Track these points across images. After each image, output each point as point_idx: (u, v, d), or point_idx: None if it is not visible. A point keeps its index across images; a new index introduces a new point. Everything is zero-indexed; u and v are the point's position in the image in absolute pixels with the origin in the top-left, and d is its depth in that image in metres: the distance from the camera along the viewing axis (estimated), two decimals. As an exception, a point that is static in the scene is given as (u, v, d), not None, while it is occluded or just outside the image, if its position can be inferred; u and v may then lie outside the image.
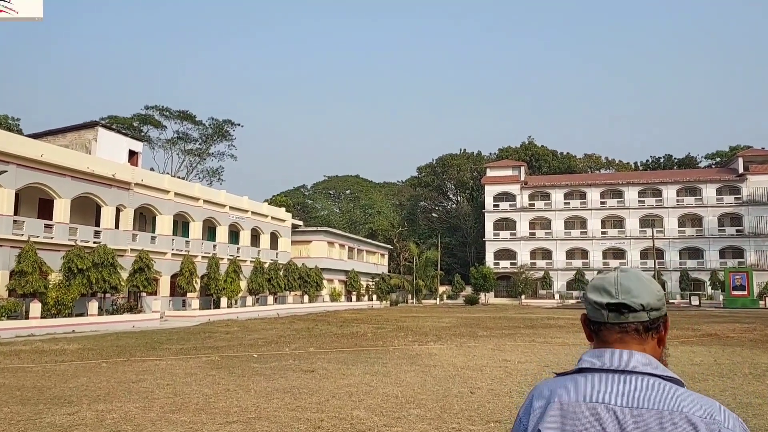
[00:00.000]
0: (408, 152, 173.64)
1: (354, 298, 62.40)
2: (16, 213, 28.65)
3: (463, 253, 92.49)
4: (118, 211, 34.15)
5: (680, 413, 1.34)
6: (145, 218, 38.83)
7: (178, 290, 37.87)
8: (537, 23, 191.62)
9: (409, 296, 75.98)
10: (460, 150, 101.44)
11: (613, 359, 1.46)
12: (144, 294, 34.43)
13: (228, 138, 76.20)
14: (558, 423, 1.41)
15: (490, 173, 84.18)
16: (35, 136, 37.37)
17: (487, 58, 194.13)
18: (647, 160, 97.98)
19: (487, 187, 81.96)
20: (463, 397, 10.36)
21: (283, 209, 57.32)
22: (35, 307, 24.66)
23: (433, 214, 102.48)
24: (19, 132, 43.77)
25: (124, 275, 31.49)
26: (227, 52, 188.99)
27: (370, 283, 68.59)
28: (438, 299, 74.84)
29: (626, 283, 1.49)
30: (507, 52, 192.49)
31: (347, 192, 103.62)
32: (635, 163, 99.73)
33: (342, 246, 64.78)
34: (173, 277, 37.96)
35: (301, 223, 62.74)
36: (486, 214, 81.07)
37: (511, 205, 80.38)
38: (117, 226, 33.99)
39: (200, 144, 75.62)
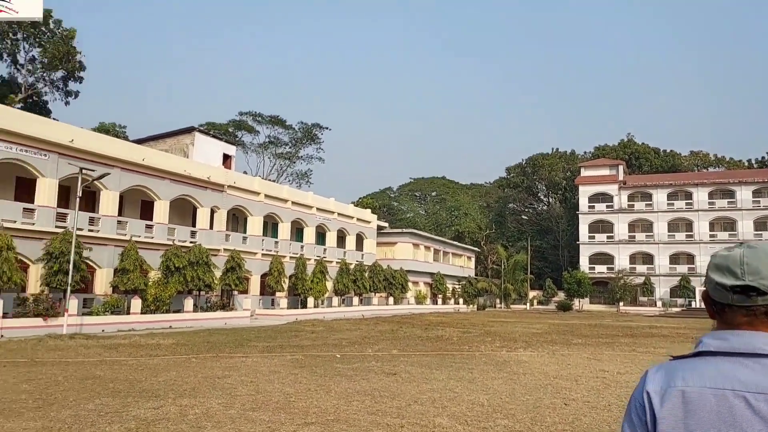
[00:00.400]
0: (496, 153, 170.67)
1: (439, 301, 61.71)
2: (120, 214, 30.25)
3: (555, 256, 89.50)
4: (212, 212, 35.41)
5: None
6: (237, 219, 40.06)
7: (267, 289, 38.78)
8: (635, 8, 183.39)
9: (497, 300, 74.49)
10: (552, 149, 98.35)
11: (738, 341, 1.29)
12: (236, 292, 35.45)
13: (316, 141, 77.68)
14: (680, 412, 1.26)
15: (584, 173, 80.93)
16: (139, 141, 39.59)
17: (580, 52, 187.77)
18: (762, 157, 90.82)
19: (581, 188, 78.80)
20: (556, 408, 9.66)
21: (369, 211, 57.54)
22: (136, 304, 25.87)
23: (523, 216, 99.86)
24: (125, 139, 46.46)
25: (218, 274, 32.51)
26: (315, 56, 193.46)
27: (456, 286, 67.58)
28: (528, 304, 72.91)
29: (754, 263, 1.31)
30: (603, 44, 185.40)
31: (433, 194, 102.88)
32: (748, 161, 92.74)
33: (427, 248, 64.29)
34: (263, 276, 38.89)
35: (386, 224, 62.75)
36: (580, 215, 77.93)
37: (608, 207, 76.84)
38: (211, 227, 35.23)
39: (290, 147, 77.52)
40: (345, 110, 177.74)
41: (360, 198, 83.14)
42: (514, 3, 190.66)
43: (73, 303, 22.65)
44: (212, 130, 60.31)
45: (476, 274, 78.90)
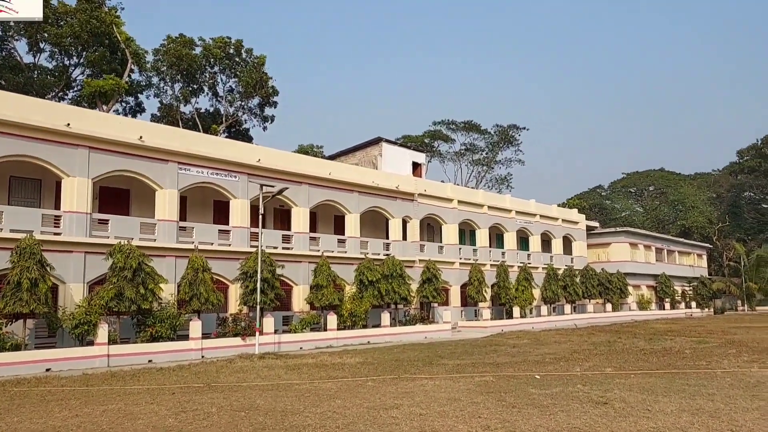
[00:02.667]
0: (721, 136, 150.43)
1: (667, 305, 54.51)
2: (315, 230, 30.59)
3: (812, 248, 75.17)
4: (404, 222, 34.50)
5: None
6: (432, 229, 38.82)
7: (469, 300, 36.81)
8: None
9: (738, 302, 64.42)
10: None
11: None
12: (435, 304, 34.06)
13: (514, 143, 74.37)
14: None
15: (842, 146, 67.11)
16: (330, 157, 40.31)
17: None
18: None
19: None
20: None
21: (575, 210, 52.88)
22: (331, 319, 25.54)
23: (763, 205, 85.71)
24: (322, 158, 48.24)
25: (414, 286, 31.40)
26: (505, 57, 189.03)
27: (686, 289, 59.50)
28: (780, 306, 61.85)
29: None
30: None
31: (650, 188, 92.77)
32: None
33: (648, 247, 57.38)
34: (462, 286, 37.04)
35: (596, 224, 57.31)
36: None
37: None
38: (404, 238, 34.33)
39: (487, 153, 75.17)
40: (543, 107, 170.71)
41: (567, 199, 77.81)
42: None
43: (269, 321, 22.81)
44: (409, 142, 60.45)
45: (710, 274, 69.13)
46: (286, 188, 22.26)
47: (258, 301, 21.27)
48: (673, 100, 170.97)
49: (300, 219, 28.51)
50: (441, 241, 37.61)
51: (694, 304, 56.98)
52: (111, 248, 19.84)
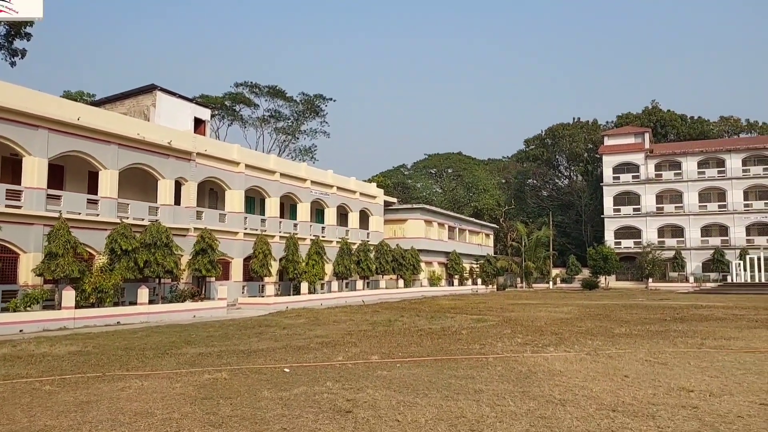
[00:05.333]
0: (514, 125, 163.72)
1: (456, 282, 56.40)
2: (60, 187, 25.13)
3: (578, 232, 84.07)
4: (179, 185, 30.09)
5: None
6: (216, 195, 34.83)
7: (253, 274, 33.61)
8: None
9: (518, 280, 69.84)
10: (573, 119, 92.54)
11: None
12: (212, 279, 30.38)
13: (320, 114, 72.22)
14: None
15: (608, 142, 75.71)
16: (95, 104, 34.14)
17: (597, 15, 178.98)
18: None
19: (605, 158, 73.66)
20: None
21: (374, 185, 52.13)
22: (68, 295, 20.78)
23: (543, 192, 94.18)
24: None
25: (185, 258, 27.48)
26: (317, 24, 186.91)
27: (474, 266, 62.39)
28: (551, 283, 68.06)
29: None
30: (618, 6, 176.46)
31: (449, 170, 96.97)
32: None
33: (441, 225, 58.79)
34: (246, 259, 33.75)
35: (395, 200, 57.32)
36: (604, 187, 73.18)
37: (633, 177, 71.78)
38: (178, 203, 29.97)
39: (292, 121, 72.14)
40: (351, 83, 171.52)
41: (372, 176, 77.84)
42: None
43: (-32, 298, 17.70)
44: (209, 104, 54.97)
45: (495, 253, 73.79)
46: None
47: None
48: (472, 85, 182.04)
49: (34, 172, 22.76)
50: (224, 209, 33.81)
51: (480, 280, 59.87)
52: None
